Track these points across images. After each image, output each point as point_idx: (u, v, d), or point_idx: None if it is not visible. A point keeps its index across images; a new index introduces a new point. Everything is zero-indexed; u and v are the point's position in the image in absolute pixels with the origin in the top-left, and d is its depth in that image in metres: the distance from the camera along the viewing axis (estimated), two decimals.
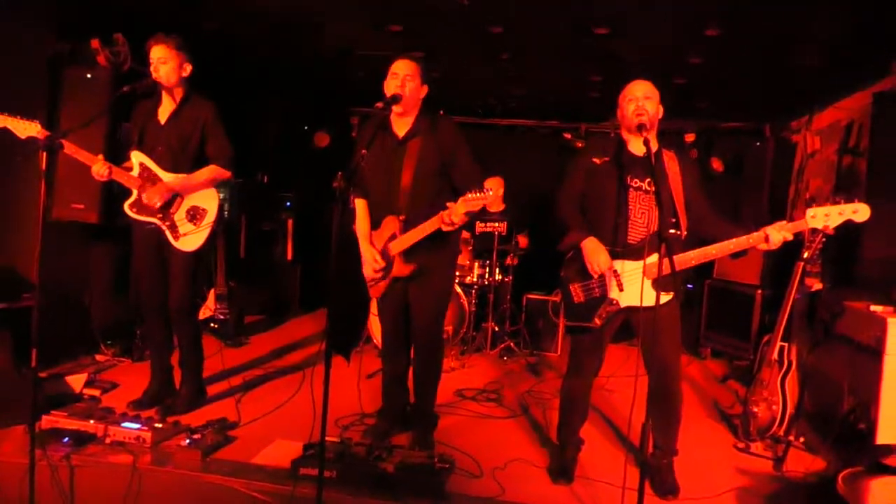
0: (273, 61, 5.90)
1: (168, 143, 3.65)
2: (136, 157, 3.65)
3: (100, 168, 3.51)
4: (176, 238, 3.65)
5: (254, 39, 5.24)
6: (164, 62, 3.56)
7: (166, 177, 3.63)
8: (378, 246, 3.41)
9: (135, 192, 3.62)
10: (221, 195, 3.85)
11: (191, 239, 3.65)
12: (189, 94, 3.70)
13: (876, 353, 3.44)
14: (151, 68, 3.57)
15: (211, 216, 3.69)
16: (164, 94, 3.69)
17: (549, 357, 5.83)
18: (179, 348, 3.94)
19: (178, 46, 3.59)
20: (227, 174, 3.73)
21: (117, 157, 3.80)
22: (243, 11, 4.50)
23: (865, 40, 4.17)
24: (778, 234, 2.82)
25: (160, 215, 3.63)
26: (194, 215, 3.66)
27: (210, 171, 3.69)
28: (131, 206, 3.63)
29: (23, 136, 3.37)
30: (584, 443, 3.41)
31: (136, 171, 3.63)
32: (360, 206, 3.52)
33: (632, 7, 3.98)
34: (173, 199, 3.63)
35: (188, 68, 3.65)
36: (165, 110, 3.69)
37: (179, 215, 3.65)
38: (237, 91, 6.07)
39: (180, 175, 3.65)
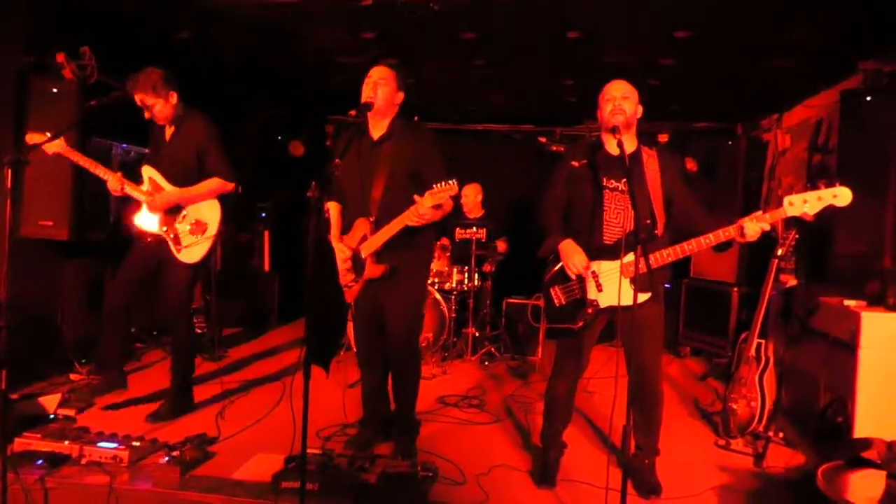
0: (246, 70, 5.86)
1: (171, 160, 3.86)
2: (147, 172, 3.86)
3: (114, 183, 3.75)
4: (178, 250, 3.82)
5: (226, 48, 5.20)
6: (151, 105, 3.76)
7: (169, 188, 3.83)
8: (350, 248, 3.40)
9: (144, 206, 3.82)
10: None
11: (193, 251, 3.82)
12: (186, 113, 3.88)
13: (850, 347, 3.49)
14: (145, 112, 3.78)
15: (213, 229, 3.85)
16: None
17: (531, 361, 5.83)
18: (172, 354, 4.09)
19: (154, 87, 3.72)
20: (229, 186, 3.90)
21: (84, 171, 3.90)
22: (216, 21, 4.46)
23: (832, 39, 4.24)
24: (754, 225, 2.79)
25: (165, 227, 3.81)
26: (196, 227, 3.83)
27: (210, 184, 3.85)
28: (139, 216, 3.84)
29: (49, 153, 3.73)
30: (567, 446, 3.41)
31: (146, 185, 3.83)
32: (333, 208, 3.53)
33: (602, 10, 4.01)
34: (177, 210, 3.82)
35: (173, 97, 3.81)
36: (169, 129, 3.90)
37: (183, 227, 3.83)
38: (210, 100, 6.00)
39: (177, 189, 3.83)
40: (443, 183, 3.01)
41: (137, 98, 3.75)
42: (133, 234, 3.95)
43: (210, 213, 3.88)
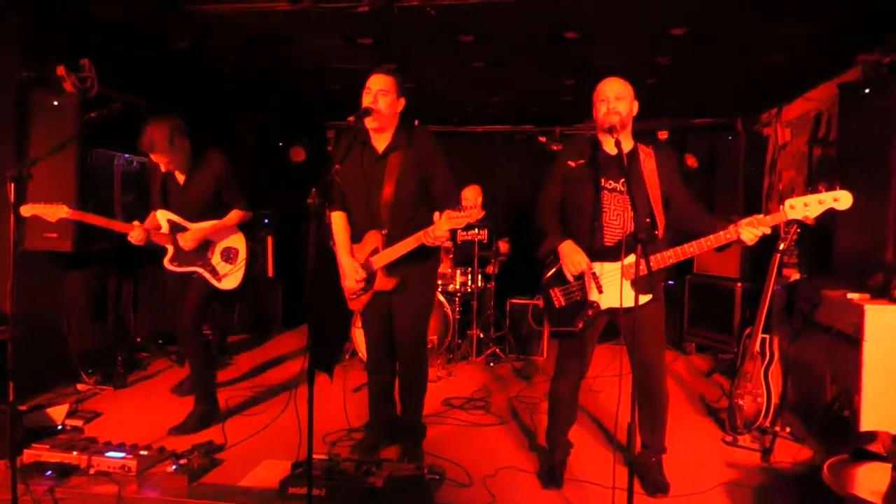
0: (245, 77, 5.88)
1: (191, 200, 3.95)
2: (162, 216, 3.94)
3: (138, 234, 3.79)
4: (218, 280, 3.99)
5: (225, 57, 5.22)
6: (169, 162, 3.81)
7: (194, 226, 3.93)
8: (360, 260, 3.39)
9: (170, 249, 3.92)
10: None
11: (231, 278, 4.02)
12: (197, 153, 3.96)
13: (855, 340, 3.47)
14: (162, 166, 3.85)
15: (243, 254, 4.08)
16: None
17: (536, 361, 5.84)
18: (189, 366, 4.18)
19: (171, 143, 3.73)
20: (249, 215, 4.10)
21: (88, 183, 4.11)
22: (213, 30, 4.48)
23: (829, 32, 4.23)
24: (751, 231, 2.77)
25: (200, 263, 3.96)
26: (228, 256, 4.02)
27: (235, 216, 4.03)
28: (171, 261, 3.94)
29: (54, 220, 3.73)
30: (573, 445, 3.41)
31: (165, 228, 3.92)
32: (337, 218, 3.49)
33: (598, 9, 4.01)
34: (207, 245, 3.97)
35: (186, 144, 3.86)
36: (181, 172, 3.96)
37: (216, 259, 4.00)
38: (210, 108, 6.03)
39: (210, 222, 3.95)
40: (460, 210, 2.96)
41: (157, 158, 3.78)
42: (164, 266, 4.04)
43: (236, 239, 4.08)
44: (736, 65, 5.10)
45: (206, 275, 3.97)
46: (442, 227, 3.02)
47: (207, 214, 3.98)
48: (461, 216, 2.95)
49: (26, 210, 3.72)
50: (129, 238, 3.82)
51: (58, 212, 3.71)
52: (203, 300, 4.02)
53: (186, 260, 3.95)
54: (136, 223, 3.85)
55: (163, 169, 3.89)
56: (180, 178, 3.99)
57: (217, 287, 4.00)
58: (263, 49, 4.93)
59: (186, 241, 3.88)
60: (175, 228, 3.93)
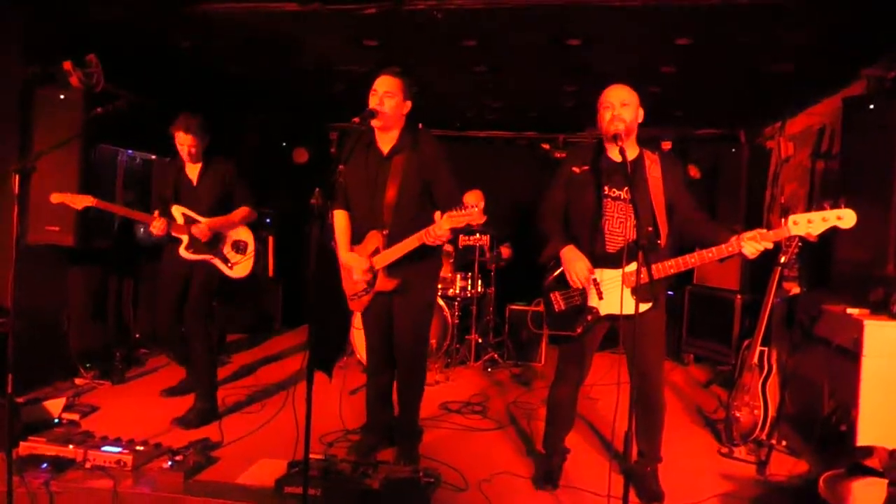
0: (249, 77, 5.89)
1: (202, 199, 4.20)
2: (178, 210, 4.18)
3: (160, 224, 4.03)
4: (230, 268, 4.25)
5: (229, 56, 5.23)
6: (193, 146, 4.10)
7: (205, 220, 4.17)
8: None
9: (185, 238, 4.13)
10: None
11: (241, 266, 4.28)
12: (209, 156, 4.26)
13: (854, 355, 3.48)
14: (182, 153, 4.12)
15: (251, 246, 4.36)
16: None
17: (534, 366, 5.84)
18: (192, 362, 4.30)
19: (202, 130, 4.12)
20: (255, 214, 4.39)
21: (91, 178, 4.19)
22: (218, 29, 4.49)
23: (834, 46, 4.25)
24: (753, 246, 2.77)
25: (213, 252, 4.20)
26: (238, 247, 4.28)
27: (242, 213, 4.29)
28: (186, 248, 4.15)
29: (80, 208, 4.03)
30: (570, 451, 3.42)
31: (180, 221, 4.15)
32: (339, 216, 3.50)
33: (603, 17, 4.02)
34: (219, 236, 4.21)
35: (207, 140, 4.19)
36: (193, 171, 4.23)
37: (227, 249, 4.26)
38: (213, 107, 6.04)
39: (219, 217, 4.20)
40: (461, 209, 2.98)
41: (187, 138, 4.06)
42: (163, 260, 4.31)
43: (245, 233, 4.34)
44: (740, 76, 5.11)
45: (219, 263, 4.20)
46: (443, 225, 3.03)
47: (221, 210, 4.20)
48: (462, 215, 2.96)
49: (56, 197, 3.96)
50: (151, 228, 4.05)
51: (84, 200, 4.00)
52: (209, 293, 4.21)
53: (201, 249, 4.15)
54: (157, 213, 4.10)
55: (184, 153, 4.10)
56: (192, 176, 4.20)
57: (229, 275, 4.23)
58: (267, 49, 4.94)
59: (201, 230, 4.09)
60: (189, 221, 4.14)
